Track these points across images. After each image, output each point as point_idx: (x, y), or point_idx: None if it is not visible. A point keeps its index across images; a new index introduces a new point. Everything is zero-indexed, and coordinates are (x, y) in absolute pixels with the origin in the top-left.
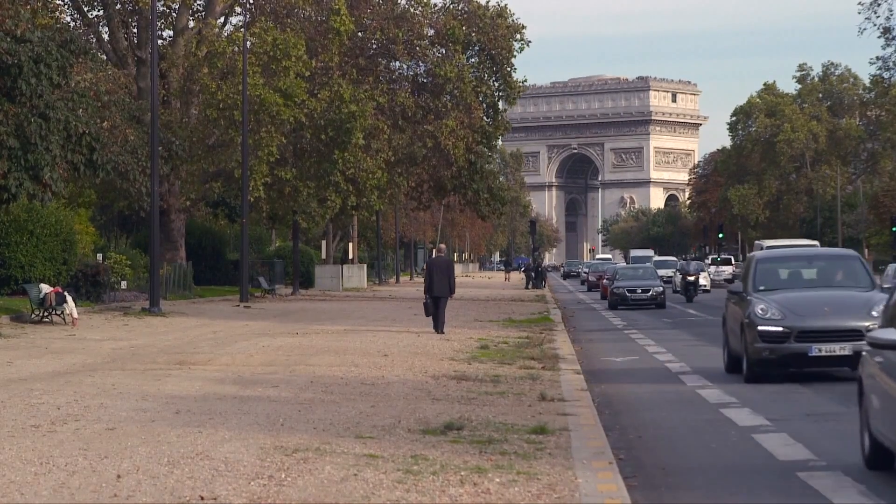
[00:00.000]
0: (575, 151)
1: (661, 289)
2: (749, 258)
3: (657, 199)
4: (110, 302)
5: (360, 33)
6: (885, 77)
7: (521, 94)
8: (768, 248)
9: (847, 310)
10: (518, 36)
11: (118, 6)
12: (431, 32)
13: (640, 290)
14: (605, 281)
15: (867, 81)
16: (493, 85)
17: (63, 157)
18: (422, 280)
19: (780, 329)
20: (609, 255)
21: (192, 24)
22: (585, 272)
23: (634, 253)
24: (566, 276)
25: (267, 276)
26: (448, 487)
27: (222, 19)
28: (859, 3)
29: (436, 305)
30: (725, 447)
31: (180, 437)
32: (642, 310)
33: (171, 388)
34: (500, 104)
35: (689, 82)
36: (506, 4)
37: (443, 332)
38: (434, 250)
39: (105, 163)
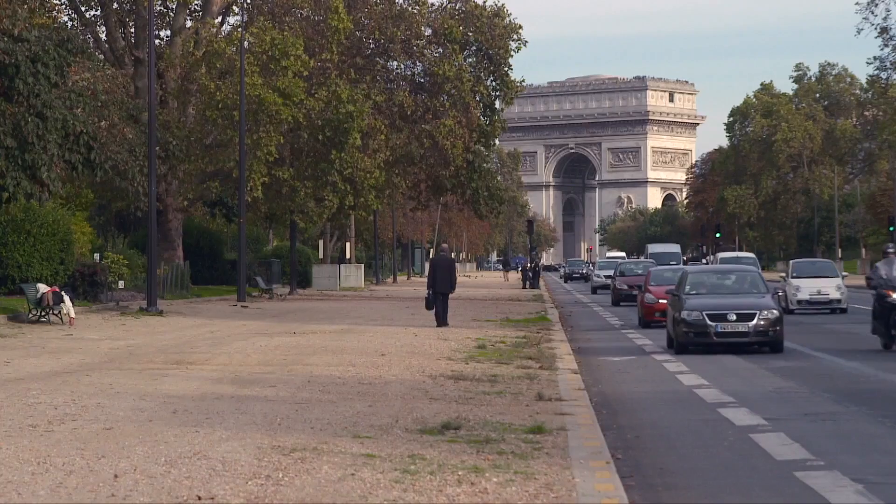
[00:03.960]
0: (572, 151)
1: (775, 313)
2: None
3: (654, 199)
4: (108, 301)
5: (357, 32)
6: (883, 77)
7: (519, 94)
8: None
9: None
10: (515, 35)
11: (115, 6)
12: (429, 32)
13: (733, 317)
14: (647, 295)
15: (864, 81)
16: (491, 84)
17: (61, 157)
18: (419, 279)
19: None
20: (622, 253)
21: (189, 23)
22: (604, 277)
23: (654, 249)
24: (568, 277)
25: (264, 276)
26: (445, 487)
27: (219, 19)
28: (857, 3)
29: (438, 300)
30: (723, 447)
31: (178, 436)
32: (744, 354)
33: (168, 387)
34: (498, 104)
35: (687, 82)
36: (503, 4)
37: (447, 325)
38: (431, 249)
39: (103, 162)
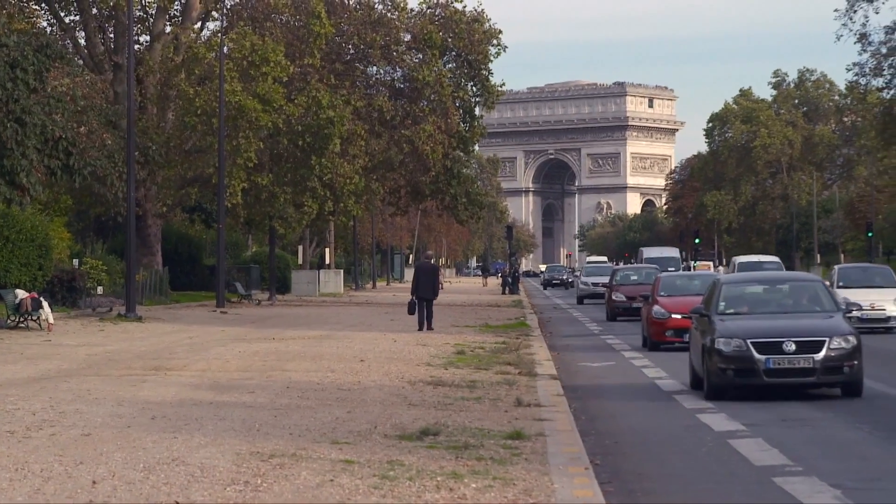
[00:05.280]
0: (552, 157)
1: (852, 341)
2: None
3: (634, 205)
4: (86, 307)
5: (337, 38)
6: (862, 83)
7: (499, 99)
8: None
9: None
10: (495, 41)
11: (95, 11)
12: (408, 37)
13: (792, 347)
14: (656, 308)
15: (842, 87)
16: (471, 90)
17: (40, 162)
18: (399, 285)
19: None
20: (604, 258)
21: (168, 29)
22: (592, 284)
23: (649, 253)
24: (547, 284)
25: (243, 282)
26: (424, 493)
27: (199, 24)
28: (836, 10)
29: (422, 305)
30: (701, 452)
31: (156, 442)
32: (809, 401)
33: (146, 393)
34: (477, 109)
35: (666, 88)
36: (483, 9)
37: (432, 329)
38: (411, 255)
39: (82, 167)
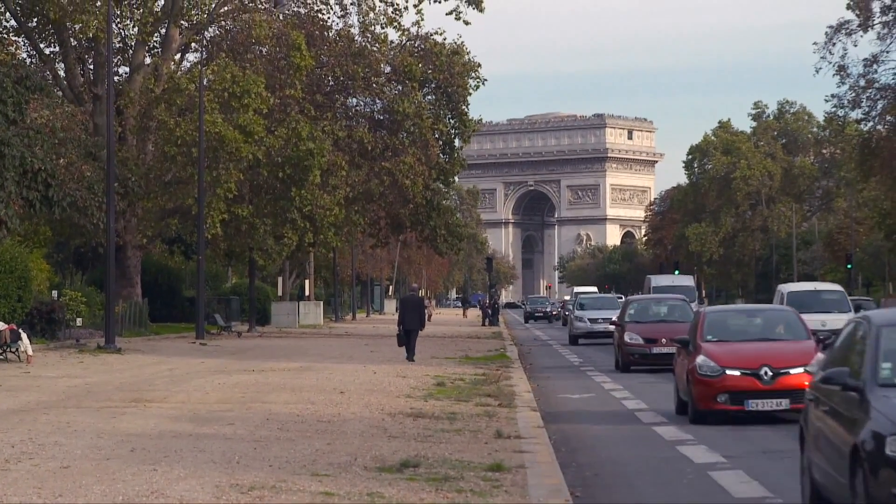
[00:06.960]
0: (531, 188)
1: None
2: None
3: (613, 236)
4: (65, 339)
5: (317, 69)
6: (840, 115)
7: (477, 132)
8: None
9: None
10: (474, 73)
11: (74, 42)
12: (388, 69)
13: None
14: (701, 360)
15: (821, 119)
16: (449, 122)
17: (18, 194)
18: (379, 317)
19: None
20: (594, 288)
21: (148, 60)
22: (590, 321)
23: (658, 282)
24: (530, 316)
25: (223, 313)
26: None
27: (179, 56)
28: (815, 43)
29: (407, 337)
30: (682, 484)
31: (135, 475)
32: None
33: (126, 425)
34: (457, 141)
35: (646, 119)
36: (462, 42)
37: (413, 360)
38: (391, 286)
39: (61, 199)
